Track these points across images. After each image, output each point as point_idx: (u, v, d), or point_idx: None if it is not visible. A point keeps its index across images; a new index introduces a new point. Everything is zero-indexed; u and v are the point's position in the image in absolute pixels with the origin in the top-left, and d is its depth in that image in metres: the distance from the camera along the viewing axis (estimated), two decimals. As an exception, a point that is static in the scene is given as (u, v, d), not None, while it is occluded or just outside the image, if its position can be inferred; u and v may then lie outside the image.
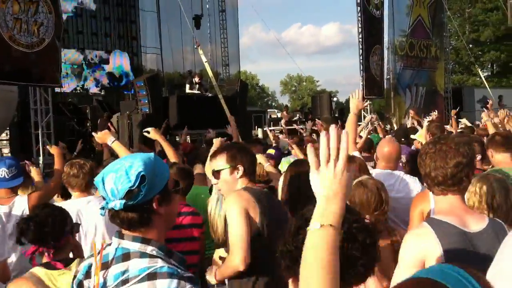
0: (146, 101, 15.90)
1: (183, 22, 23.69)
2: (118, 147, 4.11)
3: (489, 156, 4.40)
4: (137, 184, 1.84)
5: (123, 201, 1.84)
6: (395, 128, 17.61)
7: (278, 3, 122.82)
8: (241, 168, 3.16)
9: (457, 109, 10.86)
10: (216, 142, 5.27)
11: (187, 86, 17.85)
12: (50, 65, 12.60)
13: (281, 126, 18.81)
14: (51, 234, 2.89)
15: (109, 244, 1.97)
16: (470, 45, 40.07)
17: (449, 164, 2.34)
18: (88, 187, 4.21)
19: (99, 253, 1.94)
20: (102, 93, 23.61)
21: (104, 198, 1.91)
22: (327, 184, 1.43)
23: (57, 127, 13.58)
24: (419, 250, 2.27)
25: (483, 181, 2.92)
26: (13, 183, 4.42)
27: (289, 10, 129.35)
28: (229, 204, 3.01)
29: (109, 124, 16.93)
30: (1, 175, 4.40)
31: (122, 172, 1.87)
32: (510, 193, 2.90)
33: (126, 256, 1.89)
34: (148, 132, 5.00)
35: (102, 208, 1.91)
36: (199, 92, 17.60)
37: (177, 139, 14.62)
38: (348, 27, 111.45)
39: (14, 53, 11.82)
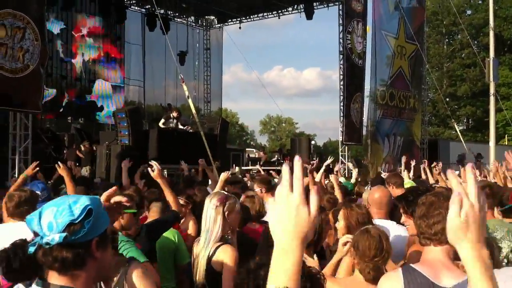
0: (127, 133, 15.86)
1: (167, 56, 23.91)
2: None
3: None
4: (80, 218, 1.74)
5: (64, 234, 1.72)
6: (371, 175, 17.77)
7: (261, 45, 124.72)
8: None
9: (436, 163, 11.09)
10: (223, 177, 5.53)
11: (162, 120, 17.82)
12: (33, 91, 12.57)
13: (258, 167, 18.88)
14: (37, 270, 2.83)
15: None
16: (447, 99, 41.03)
17: (431, 216, 2.42)
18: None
19: None
20: (81, 121, 23.49)
21: (36, 234, 1.78)
22: (285, 221, 1.32)
23: (34, 153, 13.44)
24: None
25: None
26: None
27: (272, 52, 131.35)
28: None
29: (77, 151, 16.88)
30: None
31: (64, 206, 1.76)
32: (495, 250, 2.98)
33: None
34: (153, 170, 4.83)
35: (33, 244, 1.78)
36: (173, 126, 17.55)
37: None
38: (328, 73, 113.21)
39: (-3, 77, 11.78)
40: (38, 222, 1.75)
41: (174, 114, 17.76)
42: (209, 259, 3.62)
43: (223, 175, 5.78)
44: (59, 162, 5.54)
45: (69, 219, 1.73)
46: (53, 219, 1.74)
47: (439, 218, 2.39)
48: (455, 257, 2.43)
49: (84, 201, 1.79)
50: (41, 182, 5.38)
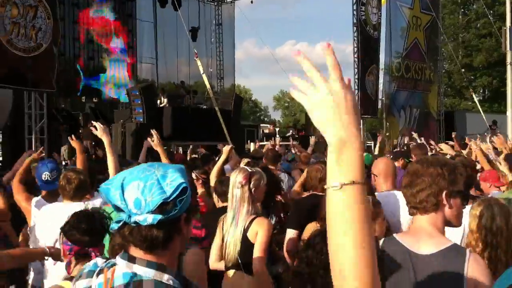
0: (141, 111, 15.86)
1: (179, 33, 23.76)
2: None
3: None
4: (173, 196, 1.58)
5: (158, 215, 1.56)
6: (387, 148, 17.64)
7: (273, 20, 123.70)
8: None
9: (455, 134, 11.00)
10: (226, 150, 5.51)
11: (158, 101, 18.02)
12: (46, 70, 12.56)
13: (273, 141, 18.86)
14: (99, 236, 2.84)
15: (112, 264, 1.68)
16: (463, 70, 40.52)
17: (415, 185, 2.37)
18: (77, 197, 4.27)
19: (101, 274, 1.67)
20: (95, 100, 23.48)
21: (118, 209, 1.61)
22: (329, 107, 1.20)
23: (49, 133, 13.50)
24: None
25: (484, 204, 2.93)
26: (55, 185, 4.57)
27: (284, 27, 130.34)
28: None
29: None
30: (44, 178, 4.75)
31: (152, 181, 1.59)
32: (511, 218, 2.91)
33: (138, 285, 1.60)
34: (152, 140, 4.95)
35: (118, 221, 1.61)
36: (167, 105, 17.71)
37: (170, 150, 14.58)
38: (342, 46, 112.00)
39: (11, 56, 11.77)
40: (121, 196, 1.58)
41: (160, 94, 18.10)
42: (245, 231, 3.63)
43: (226, 147, 5.88)
44: (72, 136, 5.51)
45: (161, 198, 1.57)
46: (141, 196, 1.57)
47: (422, 186, 2.34)
48: (447, 223, 2.39)
49: (174, 176, 1.62)
50: (51, 161, 5.20)
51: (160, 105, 17.54)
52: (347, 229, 1.17)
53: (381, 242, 2.44)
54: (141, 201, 1.57)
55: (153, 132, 5.02)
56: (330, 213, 1.20)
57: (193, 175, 5.95)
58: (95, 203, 4.23)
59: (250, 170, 3.85)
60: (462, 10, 47.68)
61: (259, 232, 3.58)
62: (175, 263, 1.73)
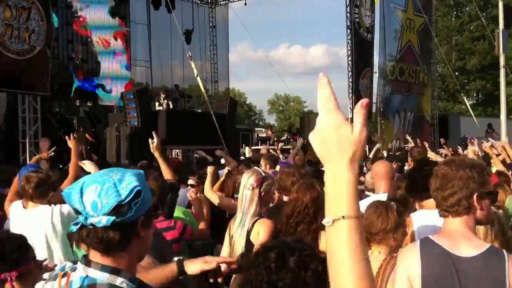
0: (135, 114, 15.81)
1: (173, 36, 23.68)
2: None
3: None
4: (128, 199, 1.64)
5: (112, 217, 1.61)
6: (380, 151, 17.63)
7: (267, 22, 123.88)
8: None
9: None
10: (210, 171, 5.24)
11: (157, 103, 17.82)
12: (40, 73, 12.50)
13: (268, 145, 18.79)
14: (12, 261, 2.75)
15: (73, 270, 1.75)
16: (456, 73, 40.61)
17: (445, 188, 2.38)
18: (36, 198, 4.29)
19: (64, 277, 1.73)
20: (89, 104, 23.35)
21: (77, 212, 1.67)
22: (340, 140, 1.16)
23: (43, 137, 13.41)
24: (403, 265, 2.44)
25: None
26: None
27: (278, 29, 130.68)
28: None
29: (86, 134, 16.80)
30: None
31: (109, 184, 1.65)
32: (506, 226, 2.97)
33: None
34: (153, 142, 4.85)
35: (76, 224, 1.67)
36: (166, 107, 17.51)
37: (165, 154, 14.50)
38: (335, 49, 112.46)
39: (4, 59, 11.72)
40: (80, 200, 1.64)
41: (162, 95, 17.81)
42: (248, 233, 3.66)
43: (210, 168, 5.39)
44: (72, 134, 5.42)
45: (115, 200, 1.63)
46: (97, 199, 1.63)
47: (453, 189, 2.37)
48: (477, 222, 2.42)
49: (130, 179, 1.68)
50: (33, 165, 5.24)
51: (158, 108, 17.45)
52: (342, 267, 1.16)
53: (417, 243, 2.45)
54: (97, 203, 1.63)
55: (154, 134, 4.95)
56: (328, 250, 1.19)
57: (192, 182, 5.82)
58: (63, 207, 4.24)
59: (263, 174, 3.83)
60: (455, 12, 47.82)
61: (260, 232, 3.60)
62: (134, 267, 1.78)
